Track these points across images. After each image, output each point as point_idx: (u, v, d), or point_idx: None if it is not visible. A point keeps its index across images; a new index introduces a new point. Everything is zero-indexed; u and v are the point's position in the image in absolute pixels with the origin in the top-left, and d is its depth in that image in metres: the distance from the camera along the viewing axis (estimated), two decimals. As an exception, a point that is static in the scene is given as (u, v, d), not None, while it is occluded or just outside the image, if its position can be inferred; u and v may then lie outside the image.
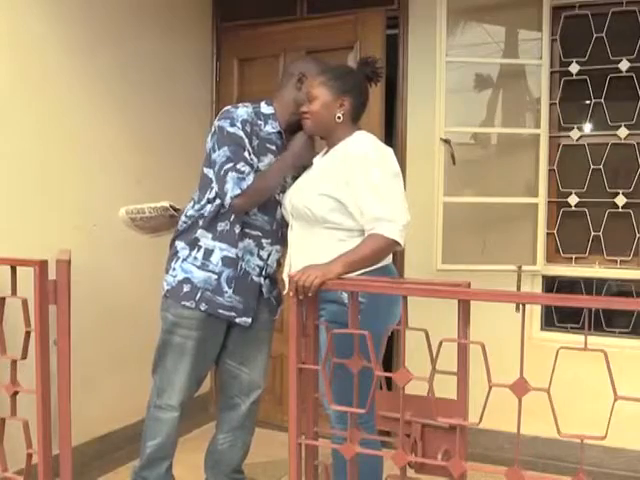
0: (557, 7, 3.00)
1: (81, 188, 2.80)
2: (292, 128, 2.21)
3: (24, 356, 2.11)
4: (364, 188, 1.92)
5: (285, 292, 2.04)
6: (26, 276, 2.06)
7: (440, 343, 1.55)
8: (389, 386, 2.03)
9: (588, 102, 3.04)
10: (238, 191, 2.03)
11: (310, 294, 1.73)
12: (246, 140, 2.08)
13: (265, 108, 2.19)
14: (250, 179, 2.04)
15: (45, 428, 2.11)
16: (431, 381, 1.60)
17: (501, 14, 3.07)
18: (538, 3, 2.92)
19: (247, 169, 2.05)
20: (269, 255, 2.19)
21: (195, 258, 2.14)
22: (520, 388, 1.46)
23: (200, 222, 2.15)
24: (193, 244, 2.16)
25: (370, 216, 1.90)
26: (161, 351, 2.22)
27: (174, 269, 2.17)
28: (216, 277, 2.12)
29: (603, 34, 2.97)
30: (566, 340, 2.81)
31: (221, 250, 2.12)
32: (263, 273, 2.19)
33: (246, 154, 2.07)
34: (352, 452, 1.68)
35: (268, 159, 2.14)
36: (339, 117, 2.06)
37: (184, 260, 2.15)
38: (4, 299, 2.17)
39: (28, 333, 2.11)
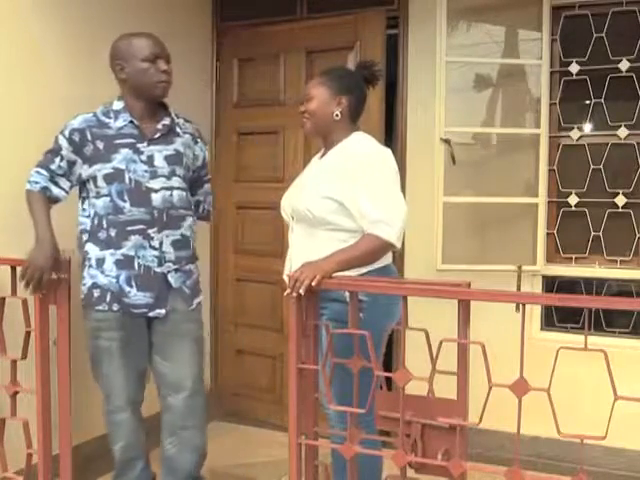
0: (557, 7, 2.99)
1: (81, 188, 2.80)
2: (153, 100, 2.19)
3: (24, 356, 2.11)
4: (364, 190, 1.93)
5: (286, 293, 2.05)
6: (26, 276, 2.06)
7: (440, 343, 1.55)
8: (389, 386, 2.03)
9: (588, 102, 3.03)
10: (26, 187, 2.17)
11: (302, 290, 1.73)
12: (66, 149, 2.15)
13: (116, 104, 2.20)
14: (32, 183, 2.15)
15: (45, 428, 2.11)
16: (431, 381, 1.60)
17: (501, 14, 3.07)
18: (538, 3, 2.92)
19: (35, 178, 2.16)
20: (161, 243, 2.16)
21: (95, 267, 2.17)
22: (520, 388, 1.46)
23: (84, 237, 2.19)
24: (87, 257, 2.19)
25: (369, 218, 1.92)
26: (94, 359, 2.24)
27: (84, 277, 2.20)
28: (116, 281, 2.14)
29: (603, 34, 2.97)
30: (566, 340, 2.80)
31: (112, 255, 2.13)
32: (163, 262, 2.17)
33: (56, 160, 2.15)
34: (352, 452, 1.68)
35: (122, 155, 2.13)
36: (337, 115, 2.06)
37: (90, 267, 2.18)
38: (4, 299, 2.17)
39: (28, 333, 2.12)
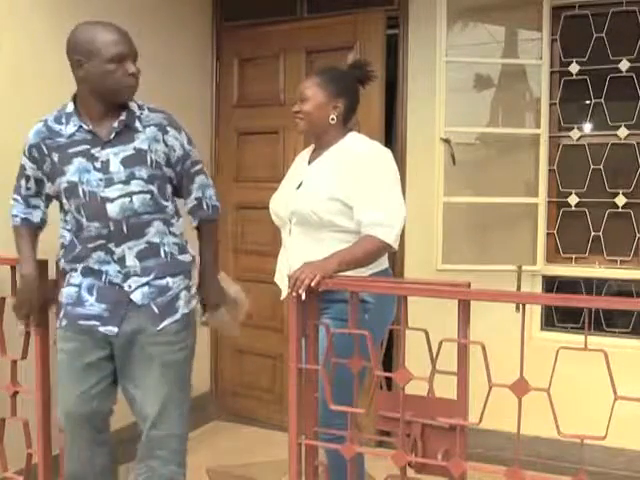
0: (557, 7, 3.00)
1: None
2: (116, 103, 1.93)
3: (24, 356, 2.11)
4: (365, 191, 1.95)
5: (283, 296, 2.05)
6: (26, 276, 2.06)
7: (440, 343, 1.55)
8: (389, 386, 2.03)
9: (588, 102, 3.04)
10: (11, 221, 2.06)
11: (302, 290, 1.73)
12: (30, 169, 2.02)
13: (69, 106, 1.98)
14: (13, 218, 2.05)
15: (45, 428, 2.11)
16: (431, 381, 1.60)
17: (501, 14, 3.07)
18: (538, 3, 2.92)
19: (14, 210, 2.05)
20: (123, 256, 1.96)
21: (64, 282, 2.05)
22: (520, 388, 1.47)
23: (61, 252, 2.05)
24: (63, 275, 2.07)
25: (369, 220, 1.93)
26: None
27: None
28: (76, 289, 1.99)
29: (603, 34, 2.97)
30: (566, 340, 2.81)
31: (80, 265, 2.00)
32: (128, 277, 1.97)
33: (22, 183, 2.04)
34: (352, 452, 1.69)
35: (74, 166, 1.93)
36: (333, 119, 2.08)
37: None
38: (4, 299, 2.17)
39: (28, 333, 2.12)
